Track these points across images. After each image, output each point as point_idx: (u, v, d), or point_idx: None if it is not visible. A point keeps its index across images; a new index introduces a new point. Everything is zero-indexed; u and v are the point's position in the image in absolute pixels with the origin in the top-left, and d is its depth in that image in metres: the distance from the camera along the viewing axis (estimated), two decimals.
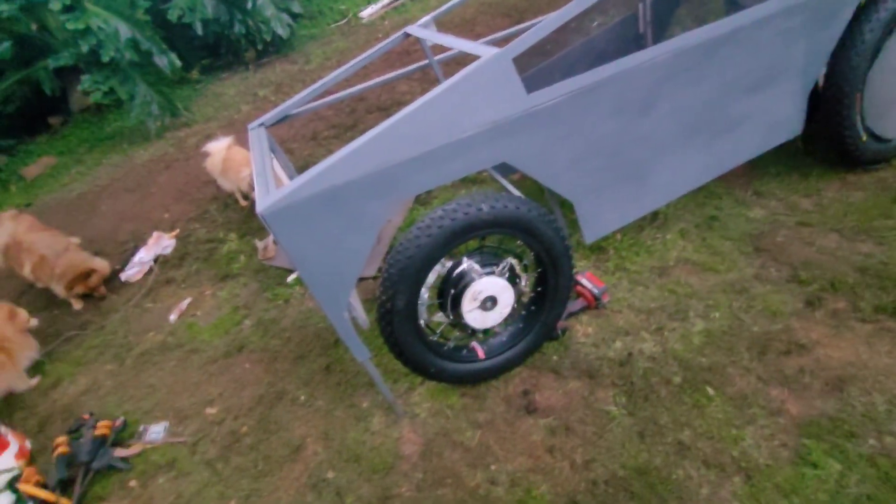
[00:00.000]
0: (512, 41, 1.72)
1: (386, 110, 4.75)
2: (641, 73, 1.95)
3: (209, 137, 4.19)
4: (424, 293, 1.97)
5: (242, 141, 3.48)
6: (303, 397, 2.42)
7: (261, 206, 1.60)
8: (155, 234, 3.87)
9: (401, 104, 4.81)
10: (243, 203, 3.87)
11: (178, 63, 5.44)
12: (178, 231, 3.92)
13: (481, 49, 1.80)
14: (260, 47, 6.58)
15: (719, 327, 2.20)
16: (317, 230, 1.66)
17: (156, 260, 3.68)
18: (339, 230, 1.69)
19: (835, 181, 2.67)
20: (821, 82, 2.38)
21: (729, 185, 2.82)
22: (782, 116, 2.37)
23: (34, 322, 3.21)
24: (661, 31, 3.01)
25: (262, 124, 2.34)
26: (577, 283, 2.43)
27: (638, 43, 3.02)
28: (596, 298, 2.38)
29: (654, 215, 2.75)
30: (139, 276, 3.59)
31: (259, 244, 3.38)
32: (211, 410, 2.50)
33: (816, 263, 2.32)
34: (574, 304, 2.41)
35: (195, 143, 5.05)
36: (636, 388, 2.06)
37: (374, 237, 1.77)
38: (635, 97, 1.99)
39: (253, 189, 2.01)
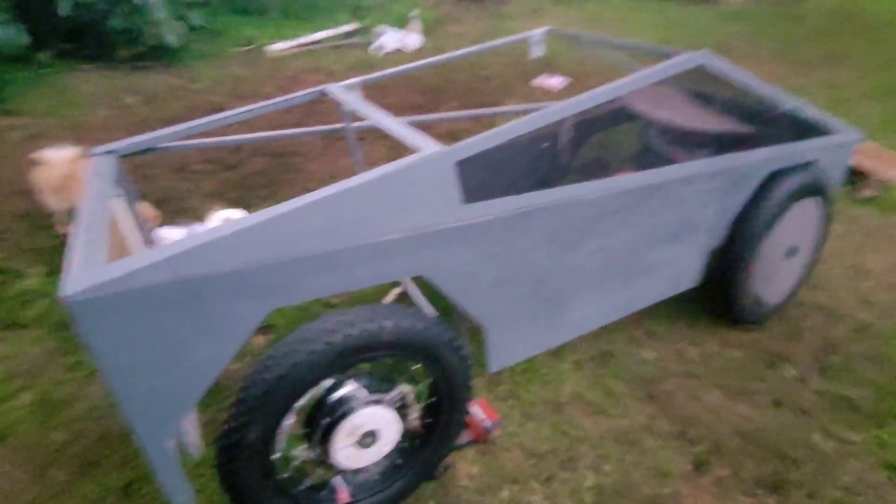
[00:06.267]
0: (460, 142, 1.45)
1: (276, 157, 4.26)
2: (579, 206, 1.81)
3: (40, 137, 3.30)
4: (289, 420, 1.51)
5: None
6: None
7: (69, 288, 1.06)
8: None
9: (294, 154, 4.35)
10: (62, 230, 3.05)
11: (26, 39, 4.45)
12: None
13: (421, 141, 1.51)
14: (143, 49, 5.73)
15: (611, 484, 2.01)
16: (152, 333, 1.15)
17: None
18: (188, 335, 1.20)
19: (717, 335, 2.75)
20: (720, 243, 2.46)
21: (622, 321, 2.78)
22: (687, 268, 2.40)
23: None
24: (601, 161, 3.02)
25: (112, 151, 1.78)
26: (467, 412, 2.12)
27: (577, 171, 2.96)
28: (486, 431, 2.09)
29: None
30: None
31: None
32: None
33: (703, 421, 2.29)
34: (460, 437, 2.08)
35: (16, 141, 4.03)
36: None
37: (238, 348, 1.30)
38: (569, 228, 1.83)
39: None
